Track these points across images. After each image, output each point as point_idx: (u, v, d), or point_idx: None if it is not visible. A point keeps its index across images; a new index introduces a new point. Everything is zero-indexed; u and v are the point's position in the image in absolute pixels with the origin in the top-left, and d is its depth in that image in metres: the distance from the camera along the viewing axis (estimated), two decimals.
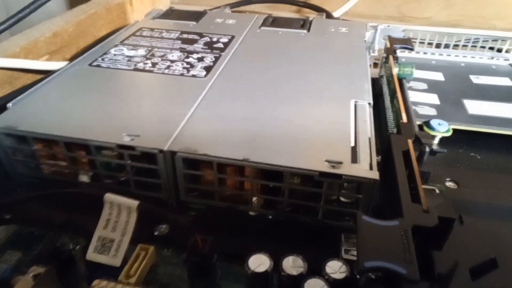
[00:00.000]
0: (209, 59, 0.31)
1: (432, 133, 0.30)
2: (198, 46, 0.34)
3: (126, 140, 0.21)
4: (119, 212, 0.18)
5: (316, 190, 0.21)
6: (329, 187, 0.21)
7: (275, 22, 0.40)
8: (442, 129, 0.29)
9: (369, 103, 0.26)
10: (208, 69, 0.30)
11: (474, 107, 0.32)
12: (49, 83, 0.27)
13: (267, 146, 0.21)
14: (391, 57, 0.32)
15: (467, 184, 0.24)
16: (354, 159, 0.21)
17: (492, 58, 0.41)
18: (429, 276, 0.19)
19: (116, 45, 0.33)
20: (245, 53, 0.33)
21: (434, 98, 0.34)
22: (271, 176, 0.21)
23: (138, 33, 0.36)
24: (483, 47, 0.41)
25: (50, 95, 0.26)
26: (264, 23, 0.39)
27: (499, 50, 0.41)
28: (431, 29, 0.41)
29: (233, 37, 0.36)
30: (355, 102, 0.26)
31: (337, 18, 0.50)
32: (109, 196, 0.18)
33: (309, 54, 0.32)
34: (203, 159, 0.21)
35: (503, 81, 0.37)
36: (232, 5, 0.51)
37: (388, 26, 0.40)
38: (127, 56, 0.31)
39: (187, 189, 0.23)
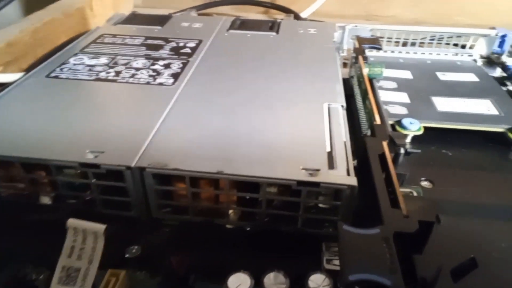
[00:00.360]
0: (176, 65, 0.30)
1: (405, 132, 0.30)
2: (164, 52, 0.32)
3: (89, 157, 0.20)
4: (85, 238, 0.16)
5: (294, 200, 0.20)
6: (308, 195, 0.20)
7: (243, 24, 0.39)
8: (414, 128, 0.30)
9: (342, 106, 0.26)
10: (175, 76, 0.28)
11: (443, 104, 0.33)
12: (2, 97, 0.25)
13: (241, 157, 0.21)
14: (360, 57, 0.32)
15: (442, 183, 0.24)
16: (331, 165, 0.21)
17: (457, 54, 0.42)
18: (412, 281, 0.19)
19: (75, 54, 0.31)
20: (214, 58, 0.32)
21: (404, 97, 0.34)
22: (248, 187, 0.20)
23: (99, 40, 0.34)
24: (448, 43, 0.42)
25: (3, 110, 0.24)
26: (232, 26, 0.38)
27: (463, 46, 0.42)
28: (397, 28, 0.41)
29: (200, 41, 0.34)
30: (328, 105, 0.26)
31: (305, 19, 0.50)
32: (72, 222, 0.17)
33: (280, 57, 0.32)
34: (174, 174, 0.20)
35: (469, 77, 0.38)
36: (198, 8, 0.50)
37: (356, 26, 0.41)
38: (88, 66, 0.29)
39: (159, 206, 0.22)
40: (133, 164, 0.20)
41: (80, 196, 0.21)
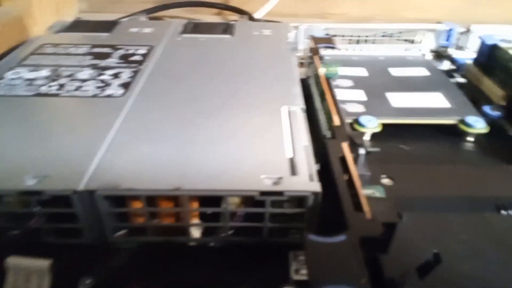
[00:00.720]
0: (126, 74, 0.28)
1: (363, 130, 0.30)
2: (113, 60, 0.30)
3: (30, 183, 0.18)
4: (28, 278, 0.15)
5: (258, 211, 0.19)
6: (272, 204, 0.19)
7: (197, 28, 0.38)
8: (371, 125, 0.30)
9: (301, 108, 0.25)
10: (126, 86, 0.27)
11: (397, 99, 0.34)
12: None
13: (200, 170, 0.20)
14: (316, 57, 0.32)
15: (402, 179, 0.25)
16: (294, 171, 0.20)
17: (407, 49, 0.43)
18: (379, 284, 0.19)
19: (12, 68, 0.28)
20: (167, 64, 0.30)
21: (361, 94, 0.34)
22: (210, 200, 0.19)
23: (39, 51, 0.31)
24: (399, 37, 0.43)
25: None
26: (184, 30, 0.37)
27: (413, 42, 0.44)
28: (349, 26, 0.42)
29: (151, 47, 0.33)
30: (288, 108, 0.25)
31: (260, 20, 0.50)
32: (12, 261, 0.15)
33: (235, 61, 0.31)
34: (128, 194, 0.18)
35: (419, 71, 0.39)
36: (148, 12, 0.48)
37: (310, 25, 0.41)
38: (27, 80, 0.27)
39: (114, 229, 0.20)
40: (80, 187, 0.18)
41: (24, 226, 0.19)
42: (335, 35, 0.42)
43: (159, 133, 0.22)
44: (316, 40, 0.36)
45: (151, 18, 0.48)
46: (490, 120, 0.32)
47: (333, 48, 0.36)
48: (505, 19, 0.61)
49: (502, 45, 0.37)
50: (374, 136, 0.31)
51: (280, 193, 0.19)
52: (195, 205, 0.20)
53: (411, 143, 0.30)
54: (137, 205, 0.19)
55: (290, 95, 0.27)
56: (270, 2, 0.55)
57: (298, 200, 0.20)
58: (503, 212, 0.22)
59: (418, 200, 0.23)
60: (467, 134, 0.31)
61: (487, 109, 0.33)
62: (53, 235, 0.20)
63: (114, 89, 0.26)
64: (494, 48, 0.37)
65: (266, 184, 0.19)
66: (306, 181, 0.19)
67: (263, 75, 0.29)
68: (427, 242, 0.20)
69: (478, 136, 0.31)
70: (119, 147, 0.21)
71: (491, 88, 0.36)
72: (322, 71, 0.31)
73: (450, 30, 0.42)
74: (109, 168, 0.19)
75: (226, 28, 0.38)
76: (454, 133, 0.31)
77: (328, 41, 0.36)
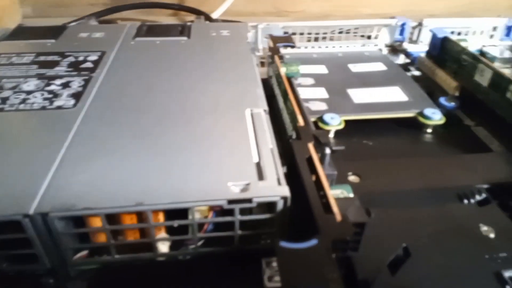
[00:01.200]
0: (77, 83, 0.27)
1: (327, 128, 0.30)
2: (61, 69, 0.28)
3: None
4: None
5: (227, 220, 0.19)
6: (241, 211, 0.19)
7: (151, 30, 0.36)
8: (335, 122, 0.30)
9: (265, 110, 0.25)
10: (77, 96, 0.25)
11: (358, 95, 0.34)
12: None
13: (163, 181, 0.19)
14: (276, 57, 0.32)
15: (368, 175, 0.25)
16: (261, 176, 0.19)
17: (364, 45, 0.44)
18: (352, 283, 0.19)
19: None
20: (121, 71, 0.29)
21: (322, 92, 0.34)
22: (175, 212, 0.19)
23: None
24: (356, 33, 0.44)
25: None
26: (138, 33, 0.35)
27: (369, 37, 0.45)
28: (307, 24, 0.42)
29: (103, 53, 0.31)
30: (251, 111, 0.25)
31: (217, 20, 0.49)
32: None
33: (194, 64, 0.30)
34: (85, 214, 0.17)
35: (377, 66, 0.40)
36: (98, 15, 0.46)
37: (268, 24, 0.40)
38: None
39: (75, 251, 0.19)
40: (31, 211, 0.17)
41: None
42: (294, 33, 0.42)
43: (116, 145, 0.21)
44: (275, 39, 0.35)
45: (101, 22, 0.45)
46: (446, 111, 0.33)
47: (292, 46, 0.35)
48: (454, 11, 0.64)
49: (452, 37, 0.39)
50: (338, 133, 0.31)
51: (248, 200, 0.18)
52: (160, 218, 0.19)
53: (374, 138, 0.31)
54: (97, 223, 0.18)
55: (252, 97, 0.26)
56: (227, 1, 0.54)
57: (267, 205, 0.19)
58: (465, 201, 0.23)
59: (385, 195, 0.24)
60: (425, 126, 0.32)
61: (442, 100, 0.34)
62: (7, 263, 0.18)
63: (64, 100, 0.25)
64: (445, 40, 0.39)
65: (234, 191, 0.18)
66: (274, 185, 0.19)
67: (224, 78, 0.28)
68: (396, 237, 0.21)
69: (436, 127, 0.32)
70: (72, 163, 0.19)
71: (445, 79, 0.37)
72: (283, 71, 0.31)
73: (403, 24, 0.44)
74: (62, 187, 0.18)
75: (183, 30, 0.37)
76: (413, 125, 0.32)
77: (287, 40, 0.35)
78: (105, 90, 0.26)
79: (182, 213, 0.18)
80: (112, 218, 0.18)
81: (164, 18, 0.54)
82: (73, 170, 0.19)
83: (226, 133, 0.22)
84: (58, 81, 0.27)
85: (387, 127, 0.32)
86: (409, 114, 0.32)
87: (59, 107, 0.24)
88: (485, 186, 0.24)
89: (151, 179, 0.19)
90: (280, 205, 0.19)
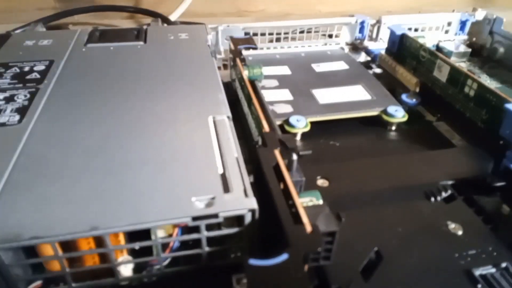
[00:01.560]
0: (22, 97, 0.24)
1: (293, 131, 0.30)
2: (4, 81, 0.26)
3: None
4: None
5: (192, 238, 0.18)
6: (207, 227, 0.18)
7: (104, 35, 0.34)
8: (301, 125, 0.30)
9: (228, 117, 0.24)
10: (22, 111, 0.23)
11: (322, 95, 0.34)
12: None
13: (121, 202, 0.17)
14: (238, 60, 0.31)
15: (336, 178, 0.25)
16: (226, 188, 0.19)
17: (326, 44, 0.44)
18: None
19: None
20: (71, 81, 0.27)
21: (287, 94, 0.34)
22: (138, 232, 0.17)
23: None
24: (317, 31, 0.44)
25: None
26: (90, 39, 0.33)
27: (330, 36, 0.45)
28: (268, 24, 0.41)
29: (51, 62, 0.29)
30: (213, 118, 0.24)
31: (175, 22, 0.47)
32: None
33: (151, 70, 0.29)
34: (34, 244, 0.16)
35: (340, 65, 0.40)
36: (46, 20, 0.43)
37: (228, 26, 0.39)
38: None
39: (27, 282, 0.17)
40: None
41: None
42: (255, 34, 0.41)
43: (66, 164, 0.19)
44: (236, 41, 0.34)
45: (50, 28, 0.42)
46: (408, 108, 0.33)
47: (254, 48, 0.35)
48: (411, 7, 0.66)
49: (410, 34, 0.39)
50: (304, 135, 0.30)
51: (214, 216, 0.17)
52: (121, 239, 0.17)
53: (340, 138, 0.31)
54: (50, 251, 0.16)
55: (215, 104, 0.25)
56: (185, 2, 0.52)
57: (235, 218, 0.18)
58: (432, 199, 0.23)
59: (354, 197, 0.23)
60: (389, 123, 0.32)
61: (404, 97, 0.34)
62: None
63: (8, 116, 0.22)
64: (403, 37, 0.39)
65: (198, 207, 0.17)
66: (241, 197, 0.18)
67: (183, 85, 0.27)
68: (367, 240, 0.20)
69: (400, 125, 0.32)
70: (18, 187, 0.18)
71: (405, 76, 0.38)
72: (246, 74, 0.30)
73: (363, 22, 0.44)
74: (7, 215, 0.16)
75: (138, 34, 0.35)
76: (377, 123, 0.32)
77: (248, 42, 0.35)
78: (54, 103, 0.24)
79: (145, 232, 0.17)
80: (67, 244, 0.16)
81: (119, 21, 0.52)
82: (20, 193, 0.17)
83: (187, 144, 0.21)
84: (1, 95, 0.24)
85: (353, 126, 0.32)
86: (373, 112, 0.32)
87: (2, 124, 0.22)
88: (450, 182, 0.24)
89: (107, 199, 0.17)
90: (248, 218, 0.18)
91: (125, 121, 0.23)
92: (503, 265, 0.19)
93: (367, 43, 0.44)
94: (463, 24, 0.46)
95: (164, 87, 0.26)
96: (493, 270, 0.19)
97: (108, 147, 0.20)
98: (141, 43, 0.33)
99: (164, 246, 0.18)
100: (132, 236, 0.17)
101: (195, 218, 0.17)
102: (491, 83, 0.41)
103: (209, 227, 0.18)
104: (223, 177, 0.19)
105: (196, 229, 0.18)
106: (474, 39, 0.47)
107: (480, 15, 0.45)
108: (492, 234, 0.21)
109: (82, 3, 0.51)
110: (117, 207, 0.17)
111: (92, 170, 0.19)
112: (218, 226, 0.19)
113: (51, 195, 0.17)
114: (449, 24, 0.46)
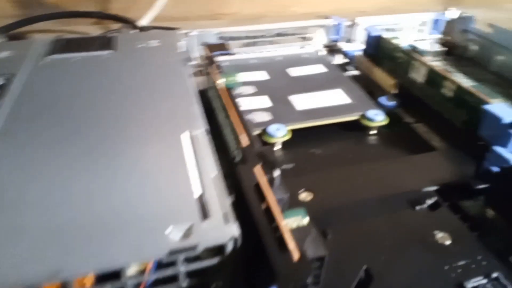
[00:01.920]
0: None
1: (273, 140, 0.29)
2: None
3: None
4: None
5: (168, 274, 0.16)
6: (185, 260, 0.16)
7: (69, 45, 0.32)
8: (281, 134, 0.29)
9: (205, 130, 0.23)
10: None
11: (300, 102, 0.33)
12: None
13: (87, 240, 0.16)
14: (213, 67, 0.30)
15: (320, 190, 0.24)
16: (205, 213, 0.17)
17: (302, 47, 0.43)
18: None
19: None
20: (32, 97, 0.25)
21: (265, 101, 0.33)
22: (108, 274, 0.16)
23: None
24: (294, 34, 0.43)
25: None
26: (54, 49, 0.31)
27: (306, 39, 0.44)
28: (242, 28, 0.40)
29: (11, 76, 0.27)
30: (188, 133, 0.22)
31: (145, 28, 0.45)
32: None
33: (120, 83, 0.27)
34: None
35: (317, 69, 0.39)
36: (5, 29, 0.40)
37: (202, 31, 0.38)
38: None
39: None
40: None
41: None
42: (231, 38, 0.40)
43: (23, 196, 0.17)
44: (210, 47, 0.33)
45: (10, 38, 0.40)
46: (387, 110, 0.33)
47: (229, 54, 0.33)
48: (384, 6, 0.66)
49: (386, 35, 0.39)
50: (285, 143, 0.29)
51: (192, 248, 0.16)
52: (87, 282, 0.16)
53: (321, 145, 0.30)
54: None
55: (189, 117, 0.24)
56: (155, 6, 0.50)
57: (216, 248, 0.17)
58: (417, 207, 0.23)
59: (338, 210, 0.23)
60: (369, 128, 0.31)
61: (383, 100, 0.34)
62: None
63: None
64: (379, 39, 0.39)
65: (174, 239, 0.16)
66: (221, 224, 0.17)
67: (156, 97, 0.25)
68: (355, 258, 0.20)
69: (379, 128, 0.32)
70: None
71: (383, 77, 0.37)
72: (221, 82, 0.28)
73: (338, 24, 0.43)
74: None
75: (106, 42, 0.33)
76: (357, 127, 0.32)
77: (223, 48, 0.33)
78: (12, 123, 0.22)
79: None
80: None
81: (85, 27, 0.49)
82: None
83: (160, 166, 0.20)
84: None
85: (333, 132, 0.32)
86: (353, 117, 0.31)
87: None
88: (434, 188, 0.24)
89: (70, 238, 0.16)
90: (229, 247, 0.17)
91: (90, 143, 0.21)
92: (494, 275, 0.18)
93: (343, 45, 0.44)
94: (436, 23, 0.46)
95: (135, 101, 0.25)
96: (485, 281, 0.18)
97: (71, 174, 0.19)
98: (110, 52, 0.31)
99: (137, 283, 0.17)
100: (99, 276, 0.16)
101: (170, 253, 0.16)
102: (466, 82, 0.41)
103: (187, 259, 0.16)
104: (201, 200, 0.18)
105: (172, 264, 0.16)
106: (448, 38, 0.47)
107: (453, 14, 0.45)
108: (480, 242, 0.21)
109: (44, 9, 0.48)
110: (82, 247, 0.15)
111: (52, 202, 0.17)
112: (197, 256, 0.17)
113: (5, 234, 0.15)
114: (423, 23, 0.46)
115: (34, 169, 0.19)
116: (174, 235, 0.16)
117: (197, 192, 0.18)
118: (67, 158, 0.20)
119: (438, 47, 0.44)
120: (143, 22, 0.48)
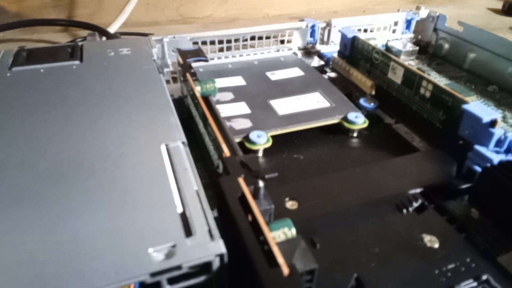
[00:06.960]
0: None
1: (254, 147, 0.28)
2: None
3: None
4: None
5: None
6: (170, 281, 0.15)
7: (32, 56, 0.30)
8: (262, 141, 0.28)
9: (183, 142, 0.22)
10: None
11: (281, 106, 0.32)
12: None
13: (62, 264, 0.14)
14: (188, 75, 0.29)
15: (305, 198, 0.23)
16: (188, 231, 0.16)
17: (278, 50, 0.43)
18: None
19: None
20: None
21: (244, 107, 0.32)
22: None
23: None
24: (269, 37, 0.42)
25: None
26: (15, 61, 0.29)
27: (282, 42, 0.43)
28: (216, 33, 0.39)
29: None
30: (166, 146, 0.21)
31: (115, 35, 0.43)
32: None
33: (90, 94, 0.25)
34: None
35: (295, 72, 0.38)
36: None
37: (174, 37, 0.37)
38: None
39: None
40: None
41: None
42: (204, 42, 0.39)
43: None
44: (184, 54, 0.32)
45: None
46: (367, 112, 0.33)
47: (204, 60, 0.32)
48: (355, 6, 0.67)
49: (361, 36, 0.39)
50: (266, 150, 0.29)
51: (177, 268, 0.15)
52: None
53: (303, 150, 0.30)
54: None
55: (166, 128, 0.22)
56: (124, 11, 0.48)
57: (201, 266, 0.16)
58: (403, 211, 0.22)
59: (326, 217, 0.22)
60: (351, 130, 0.31)
61: (362, 102, 0.34)
62: None
63: None
64: (354, 40, 0.39)
65: (156, 260, 0.15)
66: (206, 241, 0.16)
67: (130, 109, 0.24)
68: (345, 266, 0.19)
69: (360, 130, 0.32)
70: None
71: (360, 78, 0.37)
72: (198, 90, 0.27)
73: (313, 26, 0.43)
74: None
75: (73, 52, 0.31)
76: (339, 130, 0.31)
77: (197, 54, 0.32)
78: None
79: None
80: None
81: (51, 35, 0.47)
82: None
83: (138, 182, 0.18)
84: None
85: (314, 136, 0.31)
86: (334, 120, 0.31)
87: None
88: (419, 190, 0.24)
89: (43, 262, 0.14)
90: (215, 264, 0.16)
91: (59, 161, 0.19)
92: (484, 277, 0.18)
93: (319, 47, 0.44)
94: (408, 22, 0.47)
95: (107, 113, 0.23)
96: (475, 284, 0.18)
97: (40, 196, 0.17)
98: (77, 62, 0.30)
99: None
100: None
101: (153, 274, 0.15)
102: (440, 80, 0.42)
103: (172, 279, 0.15)
104: (183, 217, 0.17)
105: (156, 284, 0.15)
106: (419, 37, 0.48)
107: (424, 13, 0.46)
108: (468, 243, 0.20)
109: (6, 17, 0.45)
110: (57, 271, 0.14)
111: (23, 224, 0.16)
112: (185, 278, 0.16)
113: None
114: (395, 23, 0.46)
115: (5, 189, 0.17)
116: (156, 255, 0.15)
117: (179, 208, 0.17)
118: (39, 176, 0.18)
119: (411, 47, 0.44)
120: (112, 28, 0.46)
